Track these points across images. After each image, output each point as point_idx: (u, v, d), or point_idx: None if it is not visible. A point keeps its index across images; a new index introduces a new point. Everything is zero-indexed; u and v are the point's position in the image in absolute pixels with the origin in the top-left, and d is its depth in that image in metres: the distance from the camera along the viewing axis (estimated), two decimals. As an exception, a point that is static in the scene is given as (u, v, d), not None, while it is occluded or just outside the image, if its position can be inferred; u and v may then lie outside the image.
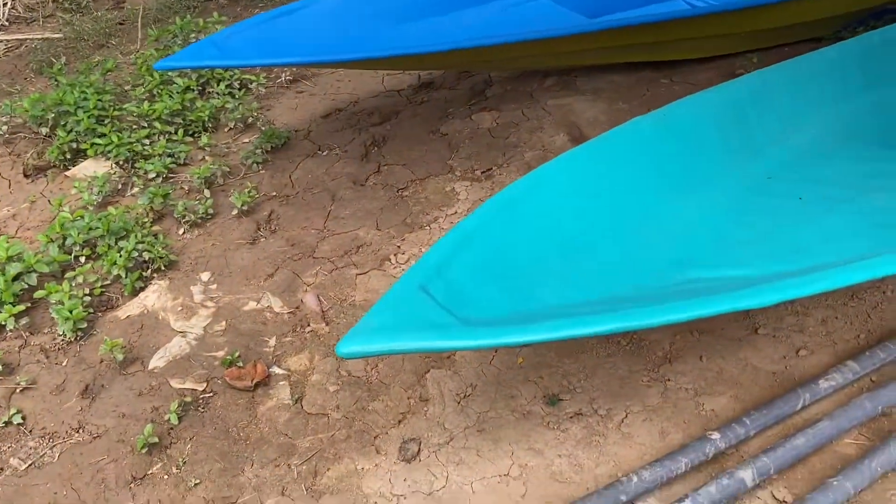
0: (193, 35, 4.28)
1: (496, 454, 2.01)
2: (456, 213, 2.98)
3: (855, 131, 2.67)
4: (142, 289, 2.65)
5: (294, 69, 4.10)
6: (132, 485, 2.03)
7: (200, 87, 3.84)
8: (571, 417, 2.09)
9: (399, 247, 2.81)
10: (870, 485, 1.81)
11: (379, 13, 3.63)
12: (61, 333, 2.45)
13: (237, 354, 2.33)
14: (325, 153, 3.46)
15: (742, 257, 2.03)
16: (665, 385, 2.16)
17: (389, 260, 2.75)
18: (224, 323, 2.49)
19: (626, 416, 2.08)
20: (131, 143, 3.34)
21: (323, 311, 2.52)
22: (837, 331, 2.29)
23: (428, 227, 2.90)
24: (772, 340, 2.28)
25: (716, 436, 1.92)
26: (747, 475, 1.81)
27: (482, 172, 3.22)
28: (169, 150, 3.35)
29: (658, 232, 2.12)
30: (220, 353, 2.37)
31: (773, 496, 1.86)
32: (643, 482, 1.83)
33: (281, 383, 2.28)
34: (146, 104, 3.54)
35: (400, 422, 2.13)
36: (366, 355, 1.54)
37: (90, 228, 2.77)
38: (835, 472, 1.87)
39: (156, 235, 2.84)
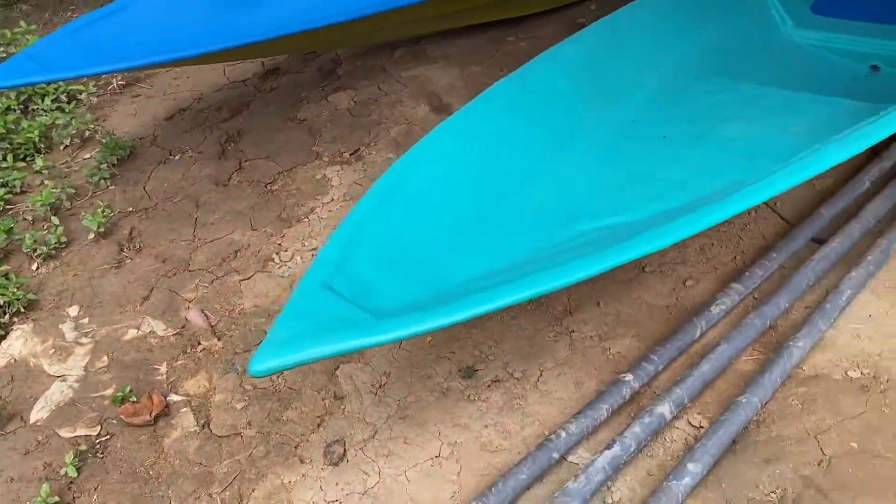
0: (1, 49, 3.88)
1: (424, 438, 1.98)
2: (332, 199, 2.89)
3: (702, 66, 2.80)
4: (3, 337, 2.40)
5: (127, 73, 3.81)
6: (38, 553, 1.85)
7: (22, 106, 3.50)
8: (489, 386, 2.10)
9: (280, 244, 2.70)
10: (772, 395, 1.93)
11: (213, 1, 3.42)
12: (-84, 404, 2.19)
13: (128, 389, 2.16)
14: (177, 157, 3.25)
15: (623, 202, 2.09)
16: (571, 337, 2.21)
17: (272, 260, 2.63)
18: (106, 358, 2.30)
19: (541, 373, 2.11)
20: (-46, 178, 3.00)
21: (212, 326, 2.38)
22: (716, 256, 2.42)
23: (306, 220, 2.80)
24: (659, 276, 2.38)
25: (629, 377, 1.98)
26: (665, 409, 1.88)
27: (351, 154, 3.14)
28: (0, 180, 3.03)
29: (542, 191, 2.14)
30: (109, 391, 2.19)
31: (690, 423, 1.95)
32: (571, 436, 1.87)
33: (182, 410, 2.14)
34: (-38, 133, 3.18)
35: (319, 425, 2.06)
36: (281, 369, 1.45)
37: (-74, 281, 2.47)
38: (739, 389, 1.98)
39: (6, 276, 2.57)
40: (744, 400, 1.88)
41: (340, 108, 3.46)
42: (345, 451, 1.98)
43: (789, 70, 2.98)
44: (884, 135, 1.88)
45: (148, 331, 2.38)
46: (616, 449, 1.80)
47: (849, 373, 1.99)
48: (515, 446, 1.94)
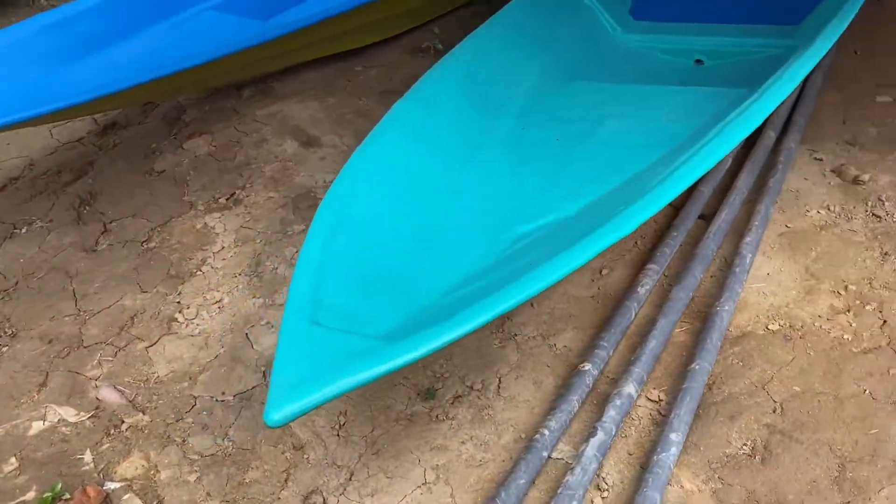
0: None
1: (405, 468, 1.91)
2: (222, 247, 2.72)
3: (561, 73, 2.98)
4: None
5: (-64, 145, 3.35)
6: None
7: None
8: (453, 403, 2.07)
9: (179, 303, 2.49)
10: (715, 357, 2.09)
11: (35, 59, 3.11)
12: None
13: (58, 487, 1.88)
14: (24, 230, 2.91)
15: (548, 203, 2.17)
16: (516, 341, 2.24)
17: (176, 320, 2.43)
18: (13, 459, 1.99)
19: (500, 381, 2.12)
20: None
21: (130, 401, 2.15)
22: (619, 244, 2.55)
23: (200, 273, 2.61)
24: (577, 270, 2.47)
25: (588, 366, 2.05)
26: (631, 389, 1.96)
27: (227, 199, 2.98)
28: None
29: (469, 202, 2.17)
30: (30, 495, 1.90)
31: (648, 399, 2.04)
32: (553, 432, 1.89)
33: (126, 497, 1.90)
34: None
35: (286, 480, 1.92)
36: (302, 413, 1.34)
37: None
38: (681, 359, 2.12)
39: None
40: (697, 367, 2.01)
41: (201, 154, 3.27)
42: (325, 500, 1.86)
43: (632, 69, 3.25)
44: (761, 119, 2.09)
45: (56, 420, 2.10)
46: (600, 435, 1.85)
47: (769, 326, 2.19)
48: (499, 455, 1.93)
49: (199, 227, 2.84)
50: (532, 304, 2.35)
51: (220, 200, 2.97)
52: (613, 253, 2.53)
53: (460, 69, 2.66)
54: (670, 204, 2.65)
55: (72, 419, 2.10)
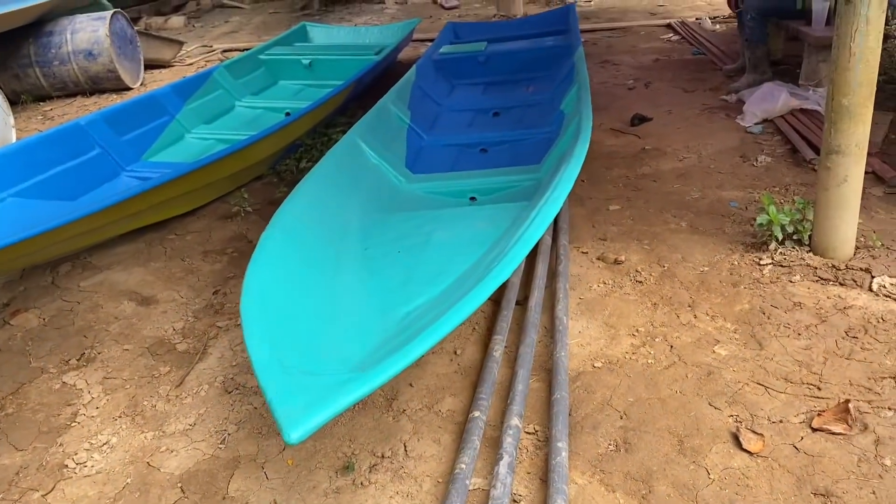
0: None
1: (350, 526, 2.13)
2: (93, 398, 2.75)
3: (379, 208, 3.54)
4: None
5: None
6: None
7: None
8: (371, 471, 2.33)
9: (64, 451, 2.48)
10: (568, 388, 2.61)
11: None
12: None
13: None
14: None
15: (415, 291, 2.63)
16: (406, 414, 2.58)
17: (67, 466, 2.41)
18: None
19: (405, 445, 2.43)
20: None
21: (45, 543, 2.10)
22: (462, 332, 3.06)
23: (76, 423, 2.62)
24: (438, 354, 2.90)
25: (477, 413, 2.45)
26: (517, 421, 2.39)
27: (79, 359, 3.00)
28: None
29: (354, 297, 2.56)
30: None
31: (526, 433, 2.48)
32: (468, 465, 2.24)
33: None
34: None
35: (241, 565, 2.02)
36: (318, 427, 1.57)
37: None
38: (541, 400, 2.60)
39: None
40: (558, 396, 2.51)
41: (33, 328, 3.26)
42: (285, 570, 1.99)
43: (428, 205, 3.92)
44: (545, 226, 2.70)
45: (-31, 575, 1.98)
46: (506, 458, 2.24)
47: (595, 365, 2.79)
48: (426, 499, 2.21)
49: (57, 387, 2.83)
50: (411, 384, 2.72)
51: (70, 362, 2.99)
52: (459, 338, 3.01)
53: (301, 209, 3.09)
54: (493, 299, 3.27)
55: (-13, 571, 2.00)
